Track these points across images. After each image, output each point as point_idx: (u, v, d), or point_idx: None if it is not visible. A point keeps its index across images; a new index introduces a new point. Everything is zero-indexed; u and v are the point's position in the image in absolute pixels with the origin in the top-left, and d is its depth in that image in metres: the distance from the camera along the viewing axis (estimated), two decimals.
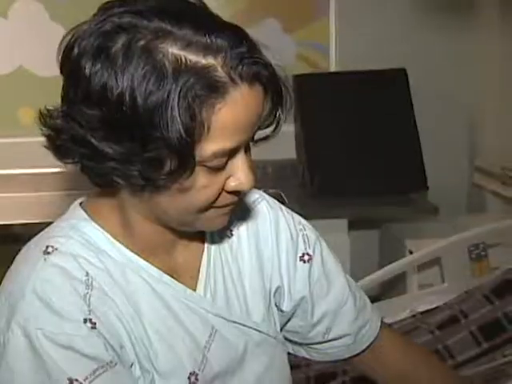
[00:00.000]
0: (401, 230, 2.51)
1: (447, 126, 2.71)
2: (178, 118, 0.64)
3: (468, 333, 1.74)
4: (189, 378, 0.77)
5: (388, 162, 2.48)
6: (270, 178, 2.48)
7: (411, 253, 2.19)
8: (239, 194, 0.76)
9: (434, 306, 1.98)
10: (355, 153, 2.48)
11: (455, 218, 2.53)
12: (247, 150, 0.75)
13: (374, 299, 2.14)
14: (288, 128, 2.73)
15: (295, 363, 1.82)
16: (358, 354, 0.96)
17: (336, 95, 2.57)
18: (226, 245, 0.87)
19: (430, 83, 2.63)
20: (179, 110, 0.64)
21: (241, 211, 0.88)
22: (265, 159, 2.64)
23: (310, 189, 2.44)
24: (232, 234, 0.88)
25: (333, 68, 2.75)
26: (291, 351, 1.00)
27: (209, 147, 0.67)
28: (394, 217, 2.58)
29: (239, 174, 0.72)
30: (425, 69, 2.62)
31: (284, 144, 2.72)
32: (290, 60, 2.61)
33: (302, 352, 1.00)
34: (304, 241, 0.91)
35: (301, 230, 0.92)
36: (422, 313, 1.95)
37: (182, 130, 0.64)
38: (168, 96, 0.64)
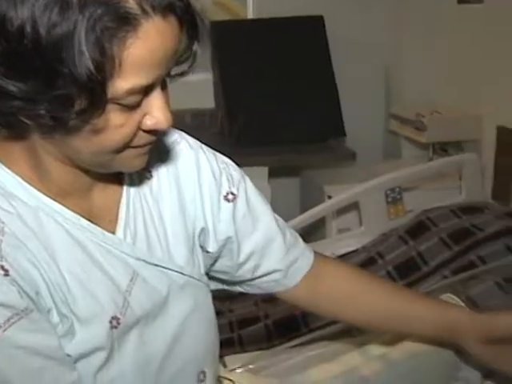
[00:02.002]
0: (320, 176, 2.55)
1: (364, 73, 2.75)
2: (87, 53, 0.60)
3: (385, 273, 1.81)
4: (110, 322, 0.75)
5: (306, 110, 2.50)
6: (188, 128, 2.44)
7: (330, 198, 2.23)
8: (157, 134, 0.73)
9: (352, 248, 2.04)
10: (274, 101, 2.48)
11: (372, 163, 2.59)
12: (164, 87, 0.72)
13: None
14: (206, 76, 2.69)
15: (218, 310, 1.84)
16: (292, 288, 0.96)
17: (254, 43, 2.55)
18: (145, 186, 0.84)
19: (347, 31, 2.65)
20: (87, 44, 0.60)
21: (160, 152, 0.86)
22: (183, 109, 2.61)
23: (230, 138, 2.43)
24: (152, 176, 0.85)
25: (250, 15, 2.72)
26: (226, 288, 1.00)
27: (121, 84, 0.64)
28: (312, 163, 2.62)
29: (156, 112, 0.70)
30: (342, 16, 2.63)
31: (202, 93, 2.69)
32: (207, 6, 2.56)
33: (237, 288, 1.00)
34: (228, 180, 0.90)
35: (224, 168, 0.91)
36: (340, 256, 2.00)
37: (91, 66, 0.61)
38: (74, 28, 0.60)
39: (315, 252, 1.00)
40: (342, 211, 2.24)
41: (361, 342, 1.07)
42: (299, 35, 2.58)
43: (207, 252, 0.90)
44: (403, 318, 0.97)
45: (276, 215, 0.96)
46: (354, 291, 0.98)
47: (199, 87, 2.68)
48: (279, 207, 2.45)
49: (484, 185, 2.27)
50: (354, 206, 2.20)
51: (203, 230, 0.88)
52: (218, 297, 1.83)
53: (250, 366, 1.07)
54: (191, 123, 2.62)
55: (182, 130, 0.93)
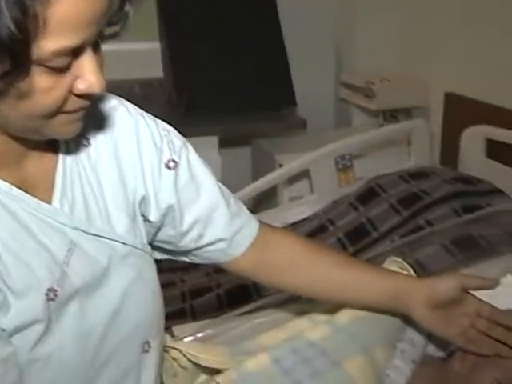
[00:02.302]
0: (271, 145, 2.54)
1: (313, 42, 2.74)
2: (6, 12, 0.57)
3: (336, 239, 1.82)
4: (46, 294, 0.73)
5: (256, 78, 2.47)
6: (136, 98, 2.40)
7: (281, 167, 2.22)
8: (90, 98, 0.70)
9: (303, 216, 2.04)
10: (223, 69, 2.44)
11: (323, 131, 2.59)
12: (97, 48, 0.69)
13: None
14: (154, 45, 2.64)
15: (170, 281, 1.83)
16: (238, 257, 0.95)
17: (202, 11, 2.50)
18: (83, 154, 0.81)
19: None
20: (6, 2, 0.57)
21: (98, 118, 0.83)
22: (131, 79, 2.55)
23: (178, 107, 2.39)
24: (89, 143, 0.82)
25: None
26: (172, 258, 0.98)
27: (47, 45, 0.61)
28: (263, 132, 2.60)
29: (87, 75, 0.67)
30: None
31: (150, 62, 2.63)
32: None
33: (182, 258, 0.98)
34: (169, 147, 0.88)
35: (165, 135, 0.88)
36: (292, 224, 2.00)
37: (11, 26, 0.57)
38: None
39: (262, 222, 0.99)
40: (293, 179, 2.24)
41: (309, 309, 1.07)
42: (249, 4, 2.54)
43: (149, 221, 0.88)
44: (349, 288, 0.97)
45: (220, 183, 0.94)
46: (299, 261, 0.97)
47: (147, 56, 2.63)
48: (230, 177, 2.45)
49: (433, 150, 2.29)
50: (305, 174, 2.20)
51: (144, 199, 0.86)
52: (170, 268, 1.83)
53: (198, 335, 1.06)
54: (140, 93, 2.56)
55: (130, 100, 0.90)
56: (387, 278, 0.96)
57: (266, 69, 2.49)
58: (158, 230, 0.90)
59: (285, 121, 2.52)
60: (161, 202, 0.87)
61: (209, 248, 0.93)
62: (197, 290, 1.77)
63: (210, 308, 1.68)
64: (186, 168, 0.89)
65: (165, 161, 0.87)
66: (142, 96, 2.49)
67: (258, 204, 2.47)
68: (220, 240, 0.93)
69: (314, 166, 2.13)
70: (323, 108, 2.80)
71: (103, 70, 0.70)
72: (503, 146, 1.91)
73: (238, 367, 0.92)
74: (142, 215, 0.87)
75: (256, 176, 2.25)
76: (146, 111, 0.91)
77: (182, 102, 2.37)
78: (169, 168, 0.87)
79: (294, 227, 1.99)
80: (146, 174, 0.85)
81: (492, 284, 0.95)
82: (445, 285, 0.92)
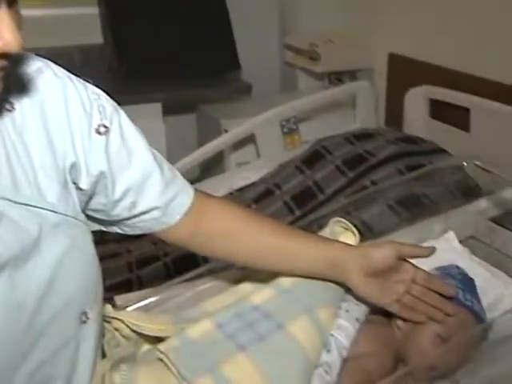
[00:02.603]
0: (216, 110, 2.50)
1: (257, 3, 2.69)
2: None
3: (282, 203, 1.81)
4: None
5: (199, 43, 2.42)
6: (76, 66, 2.32)
7: (227, 132, 2.19)
8: (7, 58, 0.66)
9: (250, 181, 2.03)
10: (164, 34, 2.38)
11: (268, 95, 2.56)
12: (12, 4, 0.64)
13: (195, 181, 2.16)
14: (93, 10, 2.55)
15: (115, 251, 1.79)
16: (173, 226, 0.92)
17: None
18: (6, 119, 0.77)
19: None
20: None
21: (22, 81, 0.78)
22: (69, 45, 2.47)
23: (119, 74, 2.33)
24: (13, 108, 0.78)
25: None
26: (104, 229, 0.95)
27: None
28: (208, 98, 2.56)
29: (2, 32, 0.63)
30: None
31: (89, 28, 2.55)
32: None
33: (114, 229, 0.95)
34: (99, 111, 0.83)
35: (95, 99, 0.84)
36: (238, 189, 1.99)
37: None
38: None
39: (197, 189, 0.96)
40: (239, 145, 2.22)
41: (253, 274, 1.05)
42: None
43: (80, 189, 0.84)
44: (284, 256, 0.95)
45: (154, 150, 0.91)
46: (234, 229, 0.95)
47: (86, 22, 2.54)
48: (176, 144, 2.41)
49: (377, 112, 2.30)
50: (251, 140, 2.18)
51: (74, 165, 0.82)
52: (115, 238, 1.79)
53: (141, 304, 1.04)
54: (79, 60, 2.48)
55: (69, 68, 0.85)
56: (323, 246, 0.95)
57: (208, 32, 2.44)
58: (90, 198, 0.87)
59: (229, 85, 2.48)
60: (91, 169, 0.83)
61: (142, 217, 0.90)
62: (143, 260, 1.75)
63: (157, 277, 1.65)
64: (117, 134, 0.85)
65: (95, 126, 0.83)
66: (82, 63, 2.42)
67: (205, 171, 2.44)
68: (154, 208, 0.90)
69: (260, 130, 2.11)
70: (268, 72, 2.77)
71: (21, 28, 0.65)
72: (446, 106, 1.93)
73: (181, 335, 0.90)
74: (74, 182, 0.83)
75: (202, 143, 2.21)
76: (87, 80, 0.87)
77: (123, 69, 2.31)
78: (99, 133, 0.83)
79: (240, 193, 1.97)
80: (76, 139, 0.81)
81: (428, 252, 0.96)
82: (380, 253, 0.92)
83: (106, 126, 0.84)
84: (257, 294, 0.96)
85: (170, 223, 0.92)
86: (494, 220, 1.28)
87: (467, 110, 1.84)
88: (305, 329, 0.90)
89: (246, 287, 1.02)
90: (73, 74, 0.86)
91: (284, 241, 0.95)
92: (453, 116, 1.94)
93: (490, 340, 0.92)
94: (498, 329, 0.88)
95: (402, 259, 0.94)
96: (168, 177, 0.91)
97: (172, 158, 1.09)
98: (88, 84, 0.86)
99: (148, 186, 0.88)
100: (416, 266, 0.96)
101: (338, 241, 0.99)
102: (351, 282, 0.94)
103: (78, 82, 0.84)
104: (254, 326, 0.90)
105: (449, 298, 0.95)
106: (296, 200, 1.79)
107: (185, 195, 0.93)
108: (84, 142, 0.82)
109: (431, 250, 0.96)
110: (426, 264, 1.11)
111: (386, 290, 0.94)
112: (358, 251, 0.94)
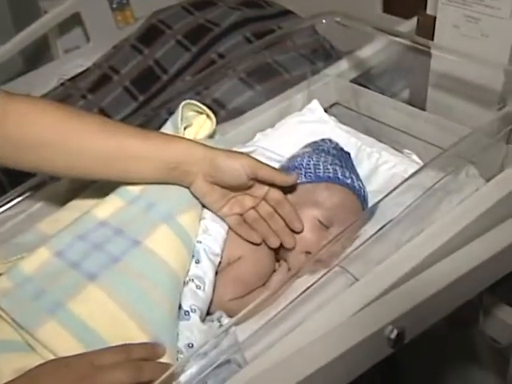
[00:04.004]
0: None
1: None
2: None
3: (122, 89, 1.61)
4: None
5: None
6: None
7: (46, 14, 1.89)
8: None
9: (83, 69, 1.79)
10: None
11: None
12: None
13: (18, 74, 1.88)
14: None
15: None
16: None
17: None
18: None
19: None
20: None
21: None
22: None
23: None
24: None
25: None
26: None
27: None
28: None
29: None
30: None
31: None
32: None
33: None
34: None
35: None
36: (70, 79, 1.75)
37: None
38: None
39: None
40: (64, 28, 1.94)
41: (90, 185, 0.88)
42: None
43: None
44: (118, 161, 0.77)
45: None
46: (52, 133, 0.76)
47: None
48: None
49: None
50: (77, 20, 1.91)
51: None
52: None
53: None
54: None
55: None
56: (165, 147, 0.77)
57: None
58: None
59: None
60: None
61: None
62: None
63: None
64: None
65: None
66: None
67: (29, 61, 2.14)
68: None
69: (85, 7, 1.85)
70: None
71: None
72: None
73: (12, 272, 0.72)
74: None
75: (19, 28, 1.90)
76: None
77: None
78: None
79: (73, 82, 1.73)
80: None
81: (286, 179, 0.81)
82: (229, 167, 0.77)
83: None
84: (101, 207, 0.79)
85: None
86: (356, 81, 1.17)
87: None
88: (165, 241, 0.75)
89: (87, 200, 0.84)
90: None
91: (118, 141, 0.77)
92: None
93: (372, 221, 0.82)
94: (381, 210, 0.78)
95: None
96: None
97: None
98: None
99: None
100: (272, 186, 0.82)
101: (183, 139, 0.82)
102: (193, 187, 0.80)
103: None
104: (104, 247, 0.74)
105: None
106: (137, 84, 1.59)
107: None
108: None
109: (290, 178, 0.81)
110: (295, 141, 0.99)
111: (229, 201, 0.81)
112: (206, 158, 0.78)
